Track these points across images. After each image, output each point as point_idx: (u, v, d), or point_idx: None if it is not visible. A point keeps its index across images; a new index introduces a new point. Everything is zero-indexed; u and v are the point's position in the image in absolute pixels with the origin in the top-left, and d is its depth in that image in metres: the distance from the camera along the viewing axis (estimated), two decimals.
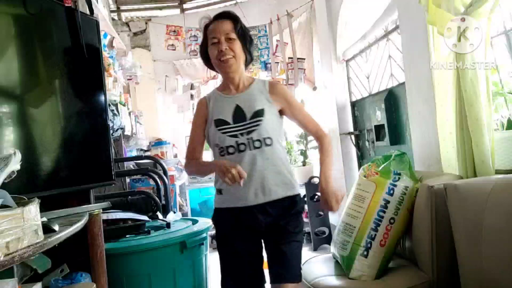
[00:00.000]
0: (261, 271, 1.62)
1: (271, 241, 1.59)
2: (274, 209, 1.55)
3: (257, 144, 1.53)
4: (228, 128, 1.56)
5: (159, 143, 4.67)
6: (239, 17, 1.63)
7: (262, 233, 1.59)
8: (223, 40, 1.55)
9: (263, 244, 1.63)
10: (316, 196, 4.02)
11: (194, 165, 1.69)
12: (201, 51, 1.69)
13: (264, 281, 1.62)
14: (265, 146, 1.54)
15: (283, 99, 1.64)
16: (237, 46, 1.57)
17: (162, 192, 2.83)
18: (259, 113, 1.56)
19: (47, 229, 1.01)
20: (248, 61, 1.67)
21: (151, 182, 3.13)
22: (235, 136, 1.54)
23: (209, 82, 5.38)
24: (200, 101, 1.71)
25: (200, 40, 4.61)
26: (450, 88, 1.84)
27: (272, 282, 1.55)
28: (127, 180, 3.48)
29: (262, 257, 1.64)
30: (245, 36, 1.61)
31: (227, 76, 1.63)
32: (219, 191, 1.62)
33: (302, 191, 4.18)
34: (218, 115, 1.59)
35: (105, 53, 3.25)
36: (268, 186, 1.53)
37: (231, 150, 1.54)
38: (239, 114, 1.57)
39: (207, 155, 5.37)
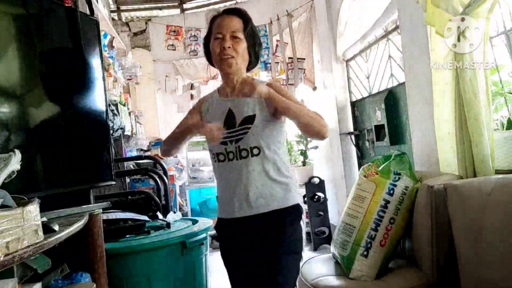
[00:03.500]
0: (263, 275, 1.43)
1: (263, 253, 1.42)
2: (262, 221, 1.41)
3: (244, 153, 1.42)
4: None
5: (159, 143, 4.66)
6: (250, 17, 1.49)
7: (254, 243, 1.45)
8: (228, 38, 1.41)
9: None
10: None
11: (169, 136, 1.55)
12: (204, 44, 1.54)
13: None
14: (252, 156, 1.41)
15: None
16: (242, 46, 1.43)
17: (162, 192, 2.83)
18: (248, 120, 1.43)
19: (47, 229, 1.01)
20: (253, 64, 1.53)
21: (151, 182, 3.14)
22: (225, 143, 1.43)
23: (209, 82, 5.38)
24: (200, 99, 1.65)
25: (200, 40, 4.67)
26: (448, 88, 1.84)
27: None
28: (127, 180, 3.48)
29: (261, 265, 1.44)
30: (254, 37, 1.48)
31: (225, 75, 1.50)
32: (217, 199, 1.52)
33: (302, 191, 4.08)
34: (211, 120, 1.48)
35: (105, 53, 3.25)
36: (253, 199, 1.41)
37: (221, 157, 1.46)
38: (230, 119, 1.45)
39: (205, 155, 5.37)
